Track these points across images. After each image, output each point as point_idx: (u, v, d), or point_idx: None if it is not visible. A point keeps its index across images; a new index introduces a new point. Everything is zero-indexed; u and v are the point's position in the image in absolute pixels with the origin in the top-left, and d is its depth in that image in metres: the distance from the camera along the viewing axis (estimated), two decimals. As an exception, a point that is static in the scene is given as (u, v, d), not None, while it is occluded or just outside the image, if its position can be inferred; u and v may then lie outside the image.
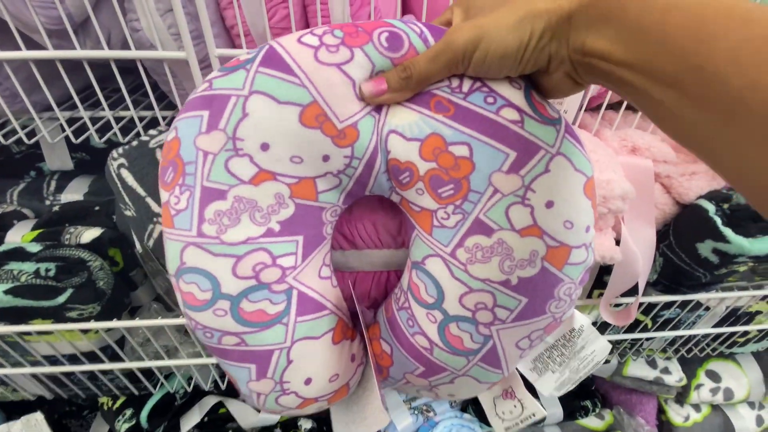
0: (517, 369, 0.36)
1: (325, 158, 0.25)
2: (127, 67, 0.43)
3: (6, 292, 0.41)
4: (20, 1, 0.34)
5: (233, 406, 0.64)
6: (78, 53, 0.37)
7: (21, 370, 0.50)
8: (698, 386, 0.69)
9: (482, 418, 0.68)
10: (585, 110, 0.47)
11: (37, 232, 0.48)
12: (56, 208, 0.52)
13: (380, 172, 0.27)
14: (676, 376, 0.67)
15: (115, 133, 0.44)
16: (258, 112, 0.23)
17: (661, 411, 0.72)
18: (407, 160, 0.25)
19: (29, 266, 0.43)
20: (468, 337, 0.27)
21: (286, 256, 0.25)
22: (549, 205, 0.25)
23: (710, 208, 0.43)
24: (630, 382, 0.69)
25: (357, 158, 0.25)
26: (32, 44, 0.37)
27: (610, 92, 0.45)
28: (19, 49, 0.36)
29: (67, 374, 0.53)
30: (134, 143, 0.37)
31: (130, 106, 0.42)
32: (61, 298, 0.42)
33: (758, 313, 0.59)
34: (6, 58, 0.36)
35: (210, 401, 0.64)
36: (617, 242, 0.43)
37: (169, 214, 0.24)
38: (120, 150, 0.37)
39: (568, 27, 0.21)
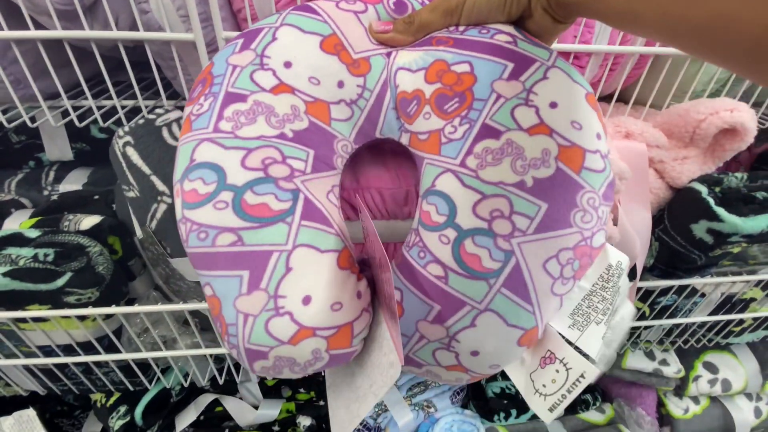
0: (554, 330, 0.29)
1: (340, 84, 0.27)
2: (131, 60, 0.43)
3: (4, 275, 0.40)
4: (31, -19, 0.35)
5: (230, 404, 0.62)
6: (87, 33, 0.37)
7: (15, 361, 0.49)
8: (696, 378, 0.70)
9: (483, 414, 0.67)
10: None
11: (35, 219, 0.48)
12: (55, 197, 0.51)
13: (389, 108, 0.28)
14: (674, 368, 0.68)
15: (116, 123, 0.44)
16: (285, 36, 0.27)
17: (660, 404, 0.72)
18: (414, 89, 0.28)
19: (27, 251, 0.43)
20: (486, 254, 0.24)
21: (296, 159, 0.25)
22: (553, 105, 0.25)
23: (703, 189, 0.45)
24: (629, 374, 0.69)
25: (369, 89, 0.28)
26: (39, 29, 0.38)
27: (602, 84, 0.47)
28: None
29: (61, 367, 0.51)
30: (140, 121, 0.37)
31: (138, 93, 0.43)
32: (60, 281, 0.41)
33: (752, 300, 0.60)
34: (14, 37, 0.37)
35: (206, 399, 0.62)
36: (614, 224, 0.44)
37: (189, 122, 0.25)
38: (126, 128, 0.37)
39: None
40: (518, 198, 0.24)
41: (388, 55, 0.29)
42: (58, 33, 0.37)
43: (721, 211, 0.43)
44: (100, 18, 0.40)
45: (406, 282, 0.26)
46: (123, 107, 0.45)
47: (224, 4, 0.39)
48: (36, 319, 0.45)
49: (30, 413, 0.55)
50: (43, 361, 0.49)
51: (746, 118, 0.42)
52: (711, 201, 0.43)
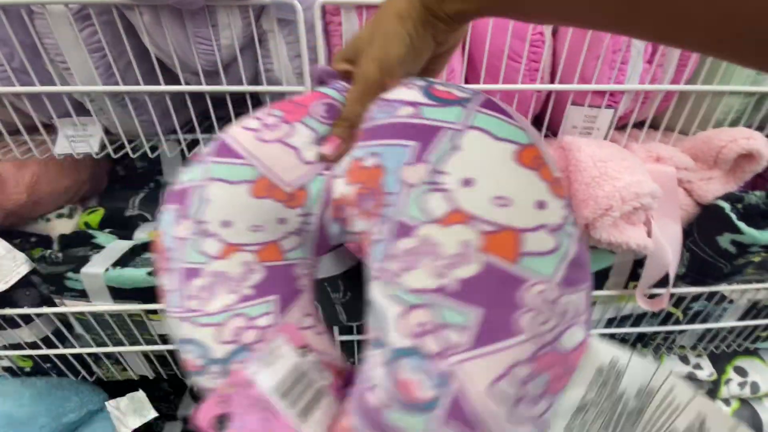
0: None
1: (281, 221, 0.27)
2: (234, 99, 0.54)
3: (149, 273, 0.51)
4: (188, 48, 0.46)
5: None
6: (224, 88, 0.48)
7: (139, 348, 0.60)
8: (728, 381, 0.74)
9: None
10: (615, 128, 0.57)
11: (160, 230, 0.59)
12: (172, 212, 0.63)
13: (331, 222, 0.29)
14: (707, 371, 0.73)
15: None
16: (215, 196, 0.26)
17: (694, 405, 0.77)
18: (341, 195, 0.27)
19: (161, 256, 0.54)
20: (419, 380, 0.20)
21: (262, 316, 0.27)
22: (467, 183, 0.21)
23: (726, 206, 0.52)
24: (663, 376, 0.74)
25: (312, 214, 0.28)
26: (169, 80, 0.49)
27: (635, 112, 0.55)
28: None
29: (173, 353, 0.62)
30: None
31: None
32: (192, 280, 0.52)
33: (778, 306, 0.66)
34: (169, 90, 0.48)
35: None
36: (648, 236, 0.52)
37: (165, 294, 0.28)
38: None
39: (426, 8, 0.24)
40: (444, 307, 0.20)
41: (328, 168, 0.28)
42: (203, 88, 0.48)
43: (742, 225, 0.50)
44: (231, 74, 0.51)
45: (357, 407, 0.24)
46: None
47: (327, 62, 0.50)
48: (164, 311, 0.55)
49: (140, 395, 0.65)
50: (161, 348, 0.60)
51: (760, 144, 0.49)
52: (733, 216, 0.50)
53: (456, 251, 0.21)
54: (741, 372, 0.75)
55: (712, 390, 0.76)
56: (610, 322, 0.66)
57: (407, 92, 0.26)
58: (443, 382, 0.20)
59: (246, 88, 0.48)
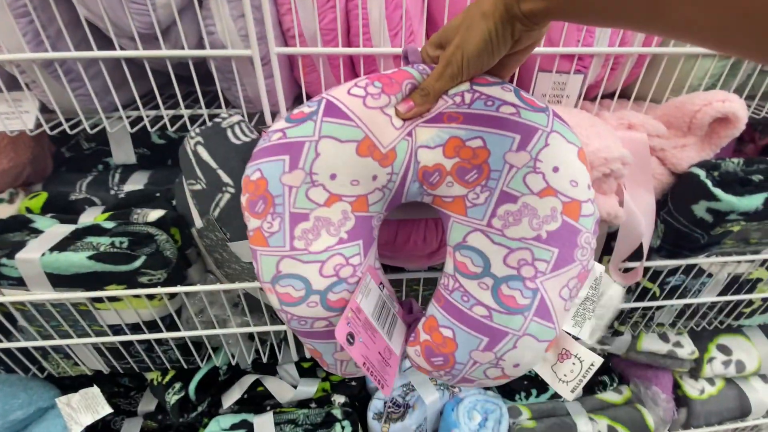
0: (564, 332, 0.39)
1: (374, 178, 0.32)
2: (183, 75, 0.50)
3: (89, 258, 0.47)
4: (120, 9, 0.42)
5: (271, 384, 0.68)
6: (163, 53, 0.44)
7: (87, 340, 0.56)
8: (710, 360, 0.72)
9: (505, 394, 0.71)
10: (584, 99, 0.54)
11: (107, 214, 0.55)
12: (122, 195, 0.59)
13: (411, 182, 0.34)
14: (688, 349, 0.71)
15: (168, 131, 0.51)
16: (327, 151, 0.31)
17: (676, 386, 0.75)
18: (435, 164, 0.33)
19: (105, 239, 0.50)
20: (519, 294, 0.31)
21: (354, 256, 0.33)
22: (555, 170, 0.31)
23: (701, 173, 0.49)
24: (645, 357, 0.72)
25: (396, 173, 0.33)
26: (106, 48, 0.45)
27: (605, 82, 0.53)
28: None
29: (127, 346, 0.58)
30: (209, 124, 0.44)
31: (202, 104, 0.50)
32: (137, 263, 0.48)
33: (759, 280, 0.64)
34: (102, 56, 0.44)
35: (249, 380, 0.68)
36: (620, 205, 0.49)
37: (262, 236, 0.31)
38: (197, 130, 0.44)
39: (507, 8, 0.27)
40: (537, 248, 0.31)
41: (410, 135, 0.33)
42: (139, 53, 0.44)
43: (718, 191, 0.47)
44: (171, 39, 0.47)
45: (456, 322, 0.33)
46: (176, 118, 0.53)
47: (275, 24, 0.46)
48: (111, 299, 0.52)
49: (94, 391, 0.61)
50: (112, 339, 0.56)
51: (737, 107, 0.47)
52: (709, 183, 0.48)
53: (548, 213, 0.31)
54: (724, 350, 0.73)
55: (695, 369, 0.74)
56: (587, 301, 0.63)
57: (506, 94, 0.33)
58: (534, 293, 0.31)
59: (186, 52, 0.45)
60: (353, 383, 0.70)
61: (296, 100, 0.59)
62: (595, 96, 0.56)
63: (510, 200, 0.31)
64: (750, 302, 0.67)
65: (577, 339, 0.39)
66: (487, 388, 0.73)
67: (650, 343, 0.71)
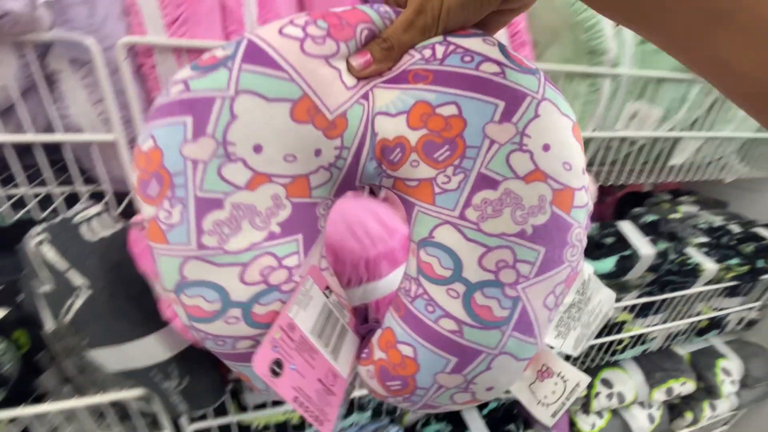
0: (545, 344, 0.33)
1: (317, 152, 0.25)
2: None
3: None
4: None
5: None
6: (3, 138, 0.38)
7: None
8: (597, 394, 0.80)
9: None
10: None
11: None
12: (-50, 292, 0.48)
13: (368, 160, 0.27)
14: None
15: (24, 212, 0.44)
16: (247, 112, 0.23)
17: (572, 424, 0.81)
18: (396, 136, 0.25)
19: None
20: (496, 304, 0.25)
21: (290, 256, 0.25)
22: (546, 148, 0.25)
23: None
24: (544, 400, 0.77)
25: (346, 148, 0.26)
26: None
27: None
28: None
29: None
30: (56, 220, 0.39)
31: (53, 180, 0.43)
32: (-42, 389, 0.39)
33: (624, 322, 0.73)
34: None
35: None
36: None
37: (159, 230, 0.23)
38: (41, 226, 0.38)
39: None
40: (520, 247, 0.25)
41: (365, 97, 0.26)
42: (-31, 137, 0.38)
43: (579, 257, 0.53)
44: (14, 118, 0.41)
45: (418, 337, 0.26)
46: (36, 195, 0.46)
47: (146, 107, 0.43)
48: None
49: None
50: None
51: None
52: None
53: (535, 203, 0.24)
54: (607, 384, 0.82)
55: (585, 405, 0.81)
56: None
57: (487, 48, 0.25)
58: (515, 303, 0.25)
59: (34, 137, 0.39)
60: None
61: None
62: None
63: (489, 185, 0.25)
64: (621, 341, 0.76)
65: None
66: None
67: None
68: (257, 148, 0.23)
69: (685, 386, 0.84)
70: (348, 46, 0.25)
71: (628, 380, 0.82)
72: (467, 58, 0.25)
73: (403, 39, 0.26)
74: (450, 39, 0.26)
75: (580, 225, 0.26)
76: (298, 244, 0.26)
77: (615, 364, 0.84)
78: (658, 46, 0.19)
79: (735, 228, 0.84)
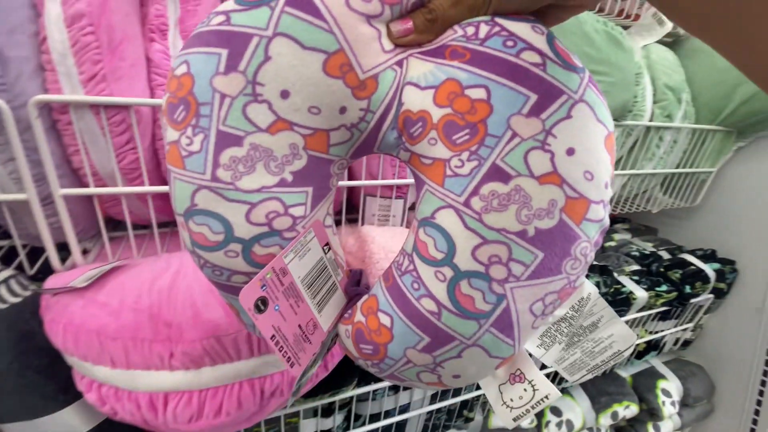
0: (524, 350, 0.32)
1: (342, 110, 0.25)
2: None
3: None
4: None
5: None
6: None
7: None
8: (547, 423, 0.81)
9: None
10: (412, 211, 0.60)
11: None
12: None
13: (389, 128, 0.26)
14: (527, 419, 0.79)
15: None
16: (282, 56, 0.23)
17: (525, 454, 0.82)
18: (420, 110, 0.25)
19: None
20: (480, 297, 0.25)
21: (297, 206, 0.25)
22: (570, 152, 0.24)
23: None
24: (497, 433, 0.78)
25: (371, 111, 0.25)
26: None
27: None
28: None
29: None
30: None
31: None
32: None
33: (567, 352, 0.76)
34: None
35: None
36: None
37: (179, 154, 0.24)
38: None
39: None
40: (518, 246, 0.24)
41: (400, 64, 0.25)
42: None
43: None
44: None
45: (398, 310, 0.27)
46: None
47: (62, 163, 0.41)
48: None
49: None
50: None
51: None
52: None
53: (544, 206, 0.24)
54: (556, 412, 0.84)
55: (537, 434, 0.82)
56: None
57: (534, 36, 0.24)
58: (499, 300, 0.25)
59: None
60: None
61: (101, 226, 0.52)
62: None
63: (501, 178, 0.24)
64: (566, 369, 0.78)
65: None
66: None
67: (499, 419, 0.77)
68: (284, 94, 0.23)
69: (628, 410, 0.87)
70: (392, 10, 0.25)
71: (576, 407, 0.85)
72: (509, 43, 0.24)
73: (449, 13, 0.25)
74: (498, 20, 0.25)
75: (589, 239, 0.25)
76: (306, 196, 0.26)
77: (563, 391, 0.86)
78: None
79: (664, 254, 0.90)
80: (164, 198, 0.48)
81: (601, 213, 0.25)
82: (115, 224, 0.57)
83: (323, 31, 0.23)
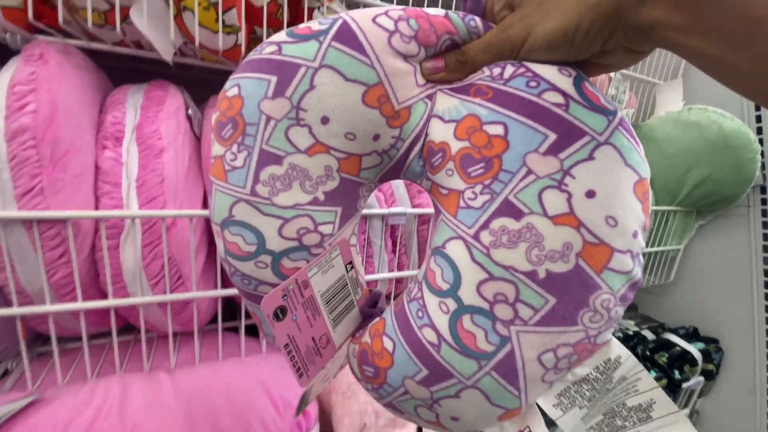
0: (538, 405, 0.29)
1: (376, 137, 0.26)
2: None
3: None
4: None
5: None
6: None
7: None
8: None
9: None
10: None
11: None
12: None
13: (416, 156, 0.27)
14: None
15: None
16: (325, 85, 0.24)
17: None
18: (441, 141, 0.26)
19: None
20: (482, 335, 0.23)
21: (326, 224, 0.26)
22: (590, 194, 0.23)
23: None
24: None
25: (402, 139, 0.27)
26: None
27: (393, 294, 0.56)
28: None
29: None
30: None
31: None
32: None
33: None
34: None
35: None
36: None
37: (222, 168, 0.25)
38: None
39: (619, 10, 0.21)
40: (526, 288, 0.23)
41: (430, 98, 0.27)
42: None
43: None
44: None
45: (401, 336, 0.26)
46: None
47: None
48: None
49: None
50: None
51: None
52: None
53: (557, 248, 0.22)
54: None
55: None
56: None
57: (559, 77, 0.24)
58: (502, 342, 0.24)
59: None
60: None
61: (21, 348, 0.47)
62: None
63: (512, 214, 0.23)
64: None
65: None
66: None
67: None
68: (324, 120, 0.25)
69: None
70: (427, 52, 0.26)
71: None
72: (533, 83, 0.24)
73: (479, 58, 0.26)
74: (526, 62, 0.25)
75: (612, 291, 0.23)
76: (335, 215, 0.27)
77: None
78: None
79: (648, 334, 0.88)
80: (99, 312, 0.43)
81: (629, 264, 0.23)
82: (45, 338, 0.51)
83: (365, 65, 0.25)
